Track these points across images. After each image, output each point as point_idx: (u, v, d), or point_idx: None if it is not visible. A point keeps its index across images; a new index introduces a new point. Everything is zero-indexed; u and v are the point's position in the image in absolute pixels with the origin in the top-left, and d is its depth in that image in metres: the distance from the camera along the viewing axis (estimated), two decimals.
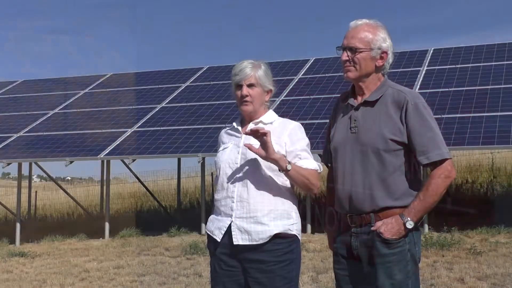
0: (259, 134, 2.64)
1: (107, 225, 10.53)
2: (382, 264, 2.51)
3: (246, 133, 2.72)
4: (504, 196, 11.56)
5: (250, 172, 2.78)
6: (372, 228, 2.53)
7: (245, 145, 2.73)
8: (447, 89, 10.09)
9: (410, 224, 2.48)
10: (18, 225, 10.60)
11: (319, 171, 2.81)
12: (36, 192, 14.90)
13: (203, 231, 9.95)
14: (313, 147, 8.93)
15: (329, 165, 2.85)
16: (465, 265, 6.47)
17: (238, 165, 2.81)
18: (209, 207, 10.57)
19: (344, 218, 2.65)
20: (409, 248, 2.52)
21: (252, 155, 2.76)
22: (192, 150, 9.73)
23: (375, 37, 2.59)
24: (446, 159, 2.50)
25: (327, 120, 11.28)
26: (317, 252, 7.67)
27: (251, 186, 2.77)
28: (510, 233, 8.27)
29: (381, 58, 2.61)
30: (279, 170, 2.73)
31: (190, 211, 13.14)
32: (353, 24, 2.64)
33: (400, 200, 2.53)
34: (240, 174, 2.79)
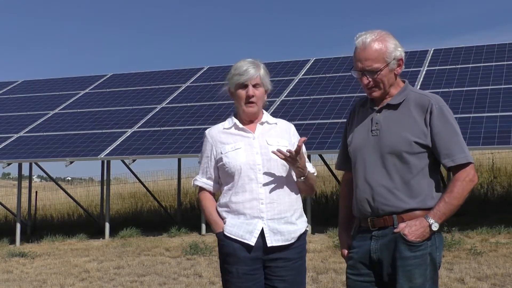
0: (292, 156, 2.72)
1: (107, 225, 10.53)
2: (402, 267, 2.49)
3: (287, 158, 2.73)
4: (504, 196, 11.56)
5: (275, 173, 2.81)
6: (395, 230, 2.52)
7: (275, 152, 2.73)
8: (447, 90, 10.09)
9: (435, 226, 2.48)
10: (18, 225, 10.60)
11: (315, 174, 2.93)
12: (36, 192, 14.87)
13: (203, 231, 9.96)
14: (313, 147, 8.95)
15: (344, 171, 2.86)
16: (465, 265, 6.47)
17: (261, 167, 2.80)
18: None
19: (364, 222, 2.63)
20: (430, 251, 2.51)
21: (274, 156, 2.77)
22: (193, 151, 9.72)
23: (387, 49, 2.56)
24: (470, 163, 2.51)
25: (328, 121, 11.22)
26: (317, 252, 7.67)
27: (278, 187, 2.80)
28: (510, 233, 8.27)
29: (399, 65, 2.61)
30: (297, 177, 2.82)
31: (190, 211, 13.15)
32: (361, 44, 2.57)
33: (423, 202, 2.52)
34: (265, 176, 2.80)
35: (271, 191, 2.78)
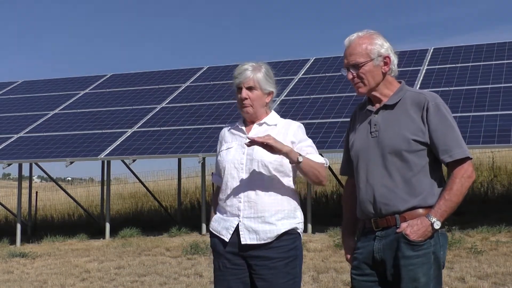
0: (261, 143, 2.67)
1: (107, 225, 10.53)
2: (405, 267, 2.49)
3: (248, 145, 2.72)
4: (505, 195, 11.56)
5: (257, 172, 2.82)
6: (398, 230, 2.52)
7: (248, 143, 2.71)
8: (447, 89, 10.09)
9: (437, 225, 2.48)
10: (18, 226, 10.60)
11: (326, 165, 2.87)
12: (36, 192, 14.89)
13: (203, 231, 9.95)
14: None
15: (348, 177, 2.85)
16: (466, 264, 6.48)
17: (244, 166, 2.84)
18: (209, 207, 10.56)
19: (368, 224, 2.64)
20: (433, 250, 2.51)
21: (258, 156, 2.81)
22: (193, 150, 9.73)
23: (372, 46, 2.60)
24: (467, 159, 2.52)
25: (328, 120, 11.21)
26: (318, 251, 7.67)
27: (258, 187, 2.81)
28: (511, 232, 8.27)
29: (385, 63, 2.62)
30: (290, 163, 2.78)
31: (190, 211, 13.15)
32: (347, 42, 2.66)
33: (424, 200, 2.53)
34: (247, 175, 2.83)
35: (250, 190, 2.81)
